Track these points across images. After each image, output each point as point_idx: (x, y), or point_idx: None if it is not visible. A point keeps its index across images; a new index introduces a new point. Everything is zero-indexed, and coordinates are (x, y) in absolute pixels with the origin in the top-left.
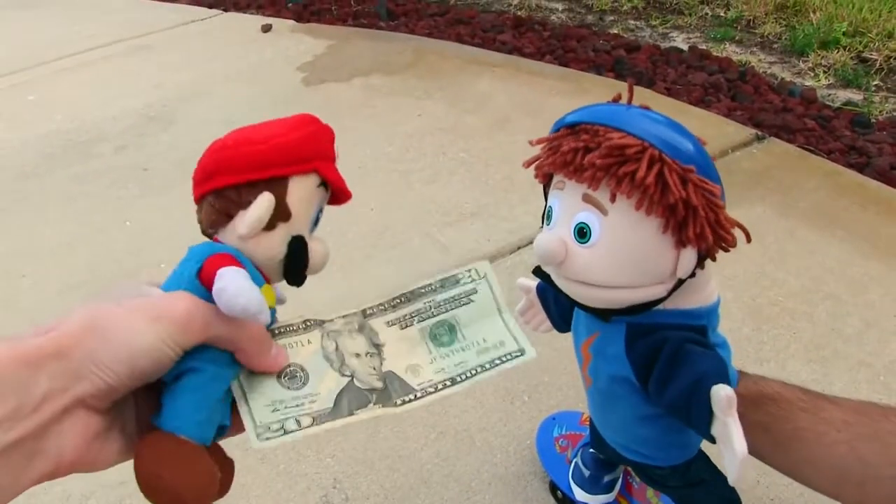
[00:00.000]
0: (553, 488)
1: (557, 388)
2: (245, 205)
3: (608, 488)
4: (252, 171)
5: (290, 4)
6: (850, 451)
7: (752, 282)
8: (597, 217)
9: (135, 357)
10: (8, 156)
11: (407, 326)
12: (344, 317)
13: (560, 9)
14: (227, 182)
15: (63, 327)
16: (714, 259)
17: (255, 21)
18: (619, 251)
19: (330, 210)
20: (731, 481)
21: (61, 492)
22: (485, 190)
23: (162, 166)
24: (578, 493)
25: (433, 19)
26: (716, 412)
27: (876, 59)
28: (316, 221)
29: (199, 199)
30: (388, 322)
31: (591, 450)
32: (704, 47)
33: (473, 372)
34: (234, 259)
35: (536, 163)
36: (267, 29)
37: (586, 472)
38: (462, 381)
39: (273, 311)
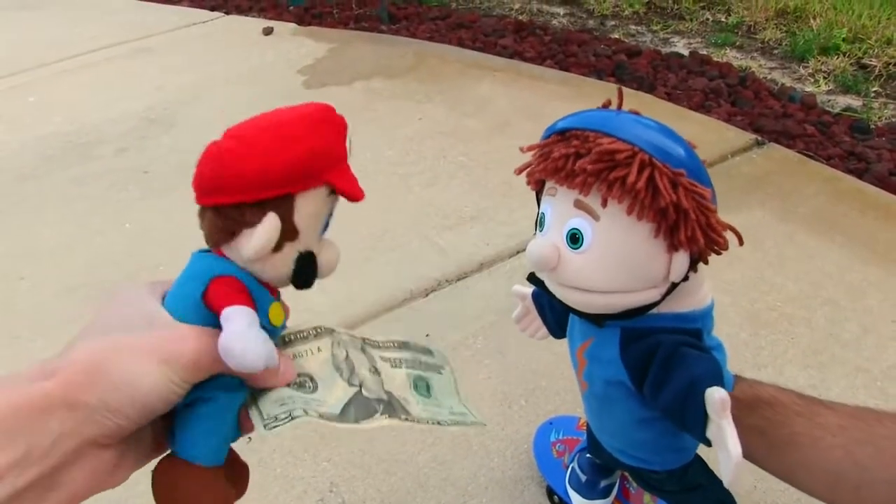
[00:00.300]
0: (550, 493)
1: (554, 393)
2: (249, 224)
3: (605, 493)
4: (255, 192)
5: (291, 7)
6: (846, 455)
7: (751, 287)
8: (589, 223)
9: (144, 399)
10: (7, 157)
11: (396, 367)
12: (349, 335)
13: (561, 13)
14: (228, 201)
15: (68, 371)
16: (706, 262)
17: (256, 24)
18: (611, 256)
19: None
20: (727, 484)
21: None
22: (484, 194)
23: (162, 169)
24: (575, 498)
25: (434, 23)
26: (710, 415)
27: (875, 66)
28: (325, 226)
29: (201, 209)
30: (382, 357)
31: (588, 454)
32: (705, 52)
33: (451, 422)
34: (240, 287)
35: (528, 169)
36: (268, 32)
37: (583, 477)
38: (444, 424)
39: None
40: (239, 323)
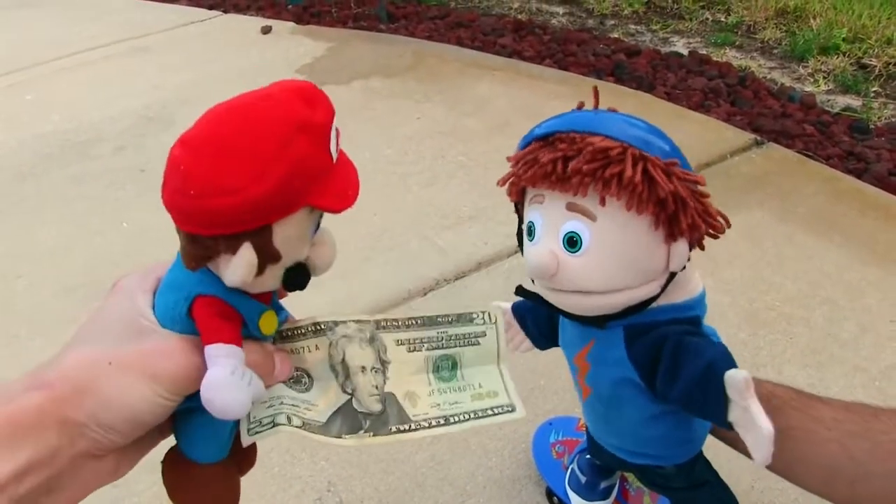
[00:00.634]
0: (549, 494)
1: (553, 392)
2: (225, 252)
3: (605, 495)
4: (227, 228)
5: (289, 6)
6: (841, 449)
7: (750, 286)
8: (585, 224)
9: (134, 415)
10: (5, 156)
11: (415, 350)
12: (358, 322)
13: (560, 13)
14: (198, 232)
15: (59, 387)
16: (702, 248)
17: (254, 23)
18: (612, 255)
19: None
20: (761, 461)
21: None
22: (483, 193)
23: (160, 168)
24: (575, 500)
25: (433, 22)
26: (733, 397)
27: (875, 66)
28: (316, 228)
29: (176, 226)
30: (398, 341)
31: (588, 455)
32: (704, 52)
33: (466, 416)
34: (224, 311)
35: (512, 179)
36: (267, 31)
37: (583, 479)
38: (453, 423)
39: (283, 314)
40: (222, 370)
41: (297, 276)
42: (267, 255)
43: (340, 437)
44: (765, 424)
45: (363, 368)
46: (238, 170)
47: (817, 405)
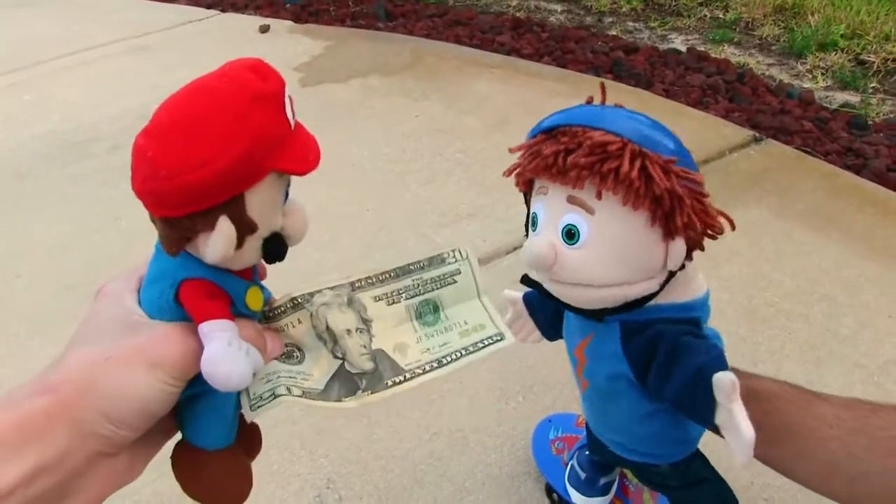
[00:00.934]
0: (549, 491)
1: (551, 388)
2: (202, 231)
3: (604, 491)
4: (199, 204)
5: (287, 5)
6: (841, 446)
7: (748, 282)
8: (583, 217)
9: (141, 405)
10: (4, 155)
11: (394, 303)
12: (332, 288)
13: (559, 10)
14: (174, 214)
15: (64, 389)
16: (703, 249)
17: (252, 21)
18: (609, 249)
19: (326, 210)
20: (741, 463)
21: None
22: (481, 191)
23: None
24: (574, 496)
25: (431, 20)
26: (719, 399)
27: (873, 62)
28: (286, 197)
29: (150, 214)
30: (376, 297)
31: (588, 452)
32: (703, 49)
33: (458, 354)
34: (211, 290)
35: (517, 170)
36: (265, 29)
37: (582, 475)
38: (447, 363)
39: (266, 292)
40: (218, 343)
41: (276, 246)
42: (244, 226)
43: (341, 401)
44: (746, 429)
45: (348, 331)
46: (204, 145)
47: (818, 402)
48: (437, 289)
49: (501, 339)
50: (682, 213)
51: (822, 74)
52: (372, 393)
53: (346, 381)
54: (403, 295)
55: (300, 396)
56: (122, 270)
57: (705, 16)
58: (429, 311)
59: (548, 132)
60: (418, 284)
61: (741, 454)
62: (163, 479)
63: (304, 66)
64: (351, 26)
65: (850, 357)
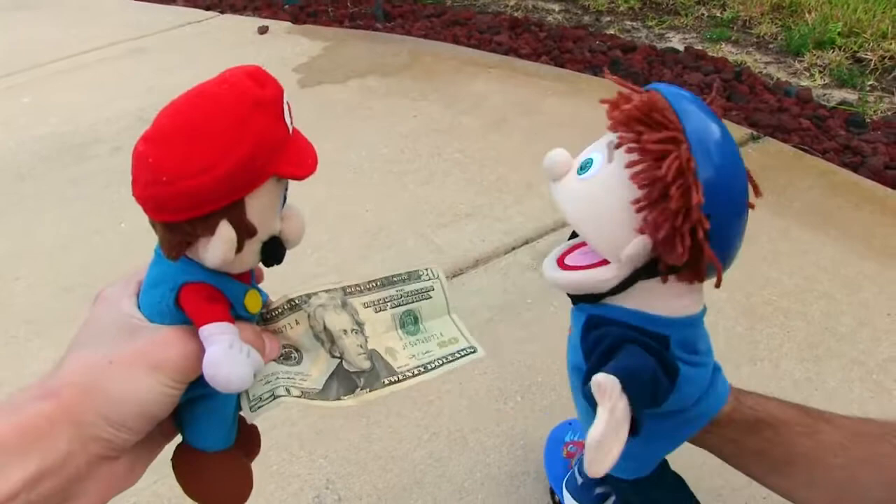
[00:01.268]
0: (552, 493)
1: (551, 389)
2: (203, 235)
3: (599, 500)
4: (200, 209)
5: (286, 6)
6: (848, 475)
7: (746, 281)
8: (601, 159)
9: (143, 408)
10: (3, 158)
11: (381, 310)
12: (327, 291)
13: (556, 10)
14: (175, 219)
15: (66, 393)
16: (670, 273)
17: (251, 23)
18: (597, 195)
19: (325, 210)
20: (585, 468)
21: None
22: (480, 191)
23: None
24: (567, 500)
25: (429, 21)
26: (595, 397)
27: (871, 60)
28: (283, 201)
29: (150, 220)
30: (365, 303)
31: None
32: (700, 48)
33: (440, 362)
34: (211, 294)
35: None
36: (263, 31)
37: (579, 480)
38: (432, 369)
39: (263, 296)
40: (220, 346)
41: (274, 250)
42: (244, 230)
43: (340, 399)
44: (593, 431)
45: (345, 331)
46: (205, 150)
47: (824, 427)
48: (416, 301)
49: (475, 352)
50: (660, 211)
51: (820, 72)
52: (370, 391)
53: (344, 380)
54: (389, 304)
55: (299, 397)
56: (120, 276)
57: (702, 14)
58: (410, 322)
59: (640, 89)
60: (401, 295)
61: (587, 454)
62: (163, 480)
63: (303, 67)
64: (349, 27)
65: (849, 355)
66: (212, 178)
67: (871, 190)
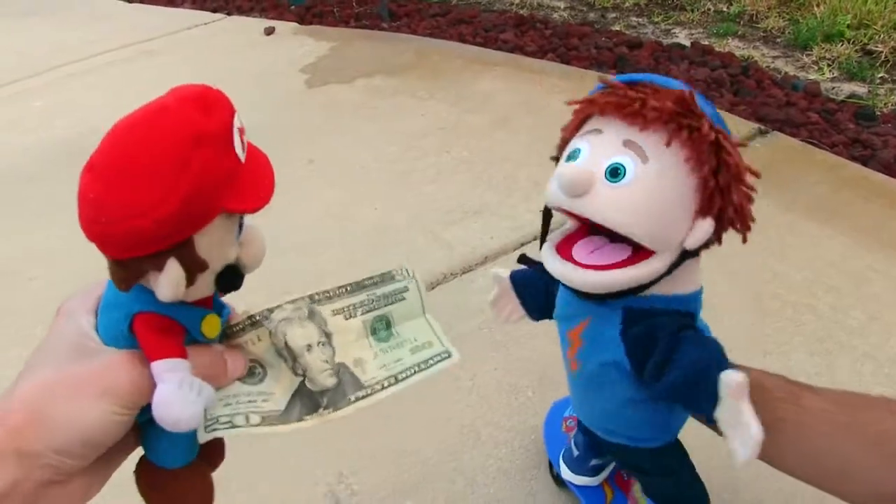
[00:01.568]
0: (551, 466)
1: (561, 383)
2: (152, 270)
3: (593, 472)
4: (144, 249)
5: (292, 7)
6: (828, 442)
7: (755, 275)
8: (635, 162)
9: (89, 435)
10: (17, 160)
11: (351, 317)
12: (292, 302)
13: (562, 7)
14: (121, 257)
15: (11, 420)
16: (720, 243)
17: (258, 24)
18: (645, 198)
19: (334, 208)
20: (744, 459)
21: None
22: (487, 188)
23: None
24: (563, 471)
25: (435, 19)
26: (727, 398)
27: (881, 52)
28: (241, 228)
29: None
30: (334, 311)
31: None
32: (707, 43)
33: (412, 371)
34: (164, 325)
35: (585, 103)
36: (270, 32)
37: (575, 452)
38: (402, 379)
39: (225, 311)
40: (169, 385)
41: (230, 279)
42: (194, 266)
43: (302, 420)
44: (755, 429)
45: (308, 347)
46: (143, 192)
47: (807, 395)
48: (389, 305)
49: (449, 357)
50: (738, 191)
51: (829, 66)
52: (335, 410)
53: (307, 399)
54: (360, 310)
55: (258, 425)
56: (80, 288)
57: (709, 9)
58: (382, 328)
59: (629, 83)
60: (372, 300)
61: (744, 452)
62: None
63: (310, 68)
64: (355, 27)
65: (860, 349)
66: (151, 222)
67: (881, 183)
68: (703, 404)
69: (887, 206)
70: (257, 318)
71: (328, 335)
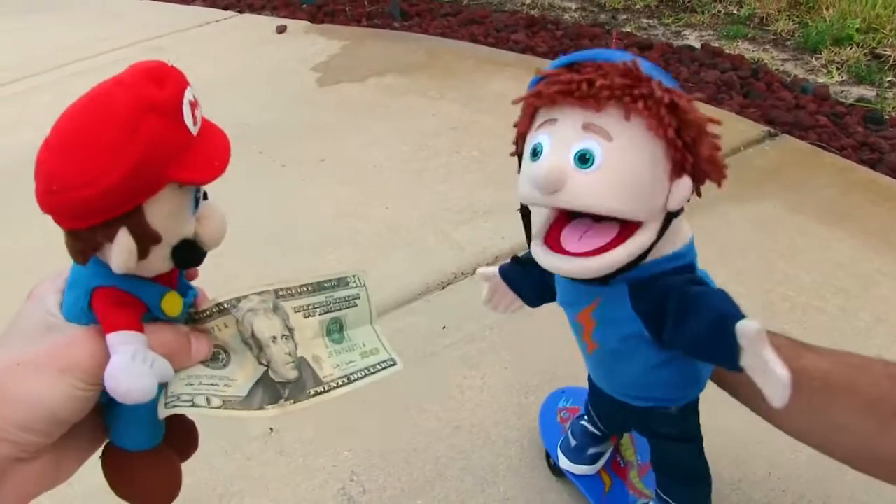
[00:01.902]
0: (548, 456)
1: (571, 382)
2: (105, 241)
3: (591, 461)
4: (96, 217)
5: (304, 5)
6: (825, 401)
7: (763, 277)
8: (599, 143)
9: (51, 411)
10: (28, 155)
11: (309, 316)
12: (259, 294)
13: (573, 7)
14: (73, 227)
15: None
16: (700, 195)
17: (269, 22)
18: (621, 175)
19: (345, 208)
20: (778, 405)
21: None
22: (498, 188)
23: None
24: (562, 461)
25: (446, 19)
26: (747, 347)
27: (890, 56)
28: (196, 204)
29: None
30: (295, 308)
31: (583, 422)
32: (717, 45)
33: (363, 374)
34: (122, 299)
35: (532, 96)
36: (281, 30)
37: (573, 442)
38: (355, 380)
39: (192, 293)
40: (121, 357)
41: (187, 254)
42: (146, 237)
43: (263, 409)
44: (781, 371)
45: (274, 339)
46: (94, 160)
47: (807, 354)
48: (343, 309)
49: (394, 365)
50: (705, 143)
51: (838, 69)
52: (294, 402)
53: (269, 389)
54: (318, 310)
55: (219, 407)
56: (52, 271)
57: (719, 12)
58: (336, 330)
59: (567, 66)
60: (329, 302)
61: (778, 394)
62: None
63: (322, 66)
64: (366, 26)
65: (867, 351)
66: (100, 190)
67: (889, 187)
68: (727, 357)
69: (895, 209)
70: (225, 305)
71: (290, 330)
